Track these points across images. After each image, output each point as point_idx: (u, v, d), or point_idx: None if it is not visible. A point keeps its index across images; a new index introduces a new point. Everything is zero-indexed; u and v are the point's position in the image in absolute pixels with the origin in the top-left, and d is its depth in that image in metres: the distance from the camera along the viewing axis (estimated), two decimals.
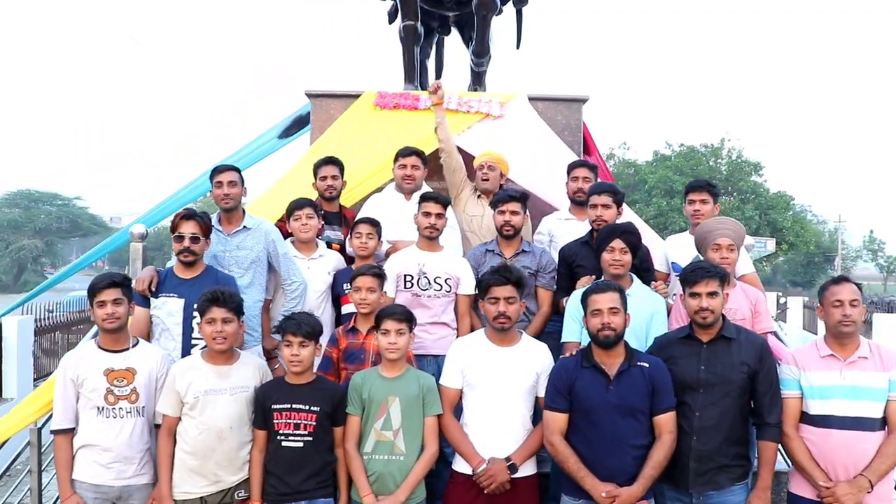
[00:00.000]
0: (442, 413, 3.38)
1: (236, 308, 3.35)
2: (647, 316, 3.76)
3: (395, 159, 4.76)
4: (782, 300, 18.91)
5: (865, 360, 3.26)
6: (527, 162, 5.76)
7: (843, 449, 3.19)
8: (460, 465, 3.37)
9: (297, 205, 4.30)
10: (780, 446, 3.35)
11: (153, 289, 3.81)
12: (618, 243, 3.77)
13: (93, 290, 3.35)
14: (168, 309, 3.77)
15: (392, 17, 8.54)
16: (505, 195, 4.28)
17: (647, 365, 3.24)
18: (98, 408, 3.29)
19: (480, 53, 7.71)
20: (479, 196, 4.99)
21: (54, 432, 3.34)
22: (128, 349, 3.40)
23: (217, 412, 3.27)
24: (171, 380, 3.31)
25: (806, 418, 3.30)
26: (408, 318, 3.39)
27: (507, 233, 4.24)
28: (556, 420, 3.24)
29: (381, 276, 3.81)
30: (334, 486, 3.36)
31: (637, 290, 3.84)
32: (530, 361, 3.39)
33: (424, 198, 4.17)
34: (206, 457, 3.25)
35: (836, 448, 3.20)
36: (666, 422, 3.20)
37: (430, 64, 8.85)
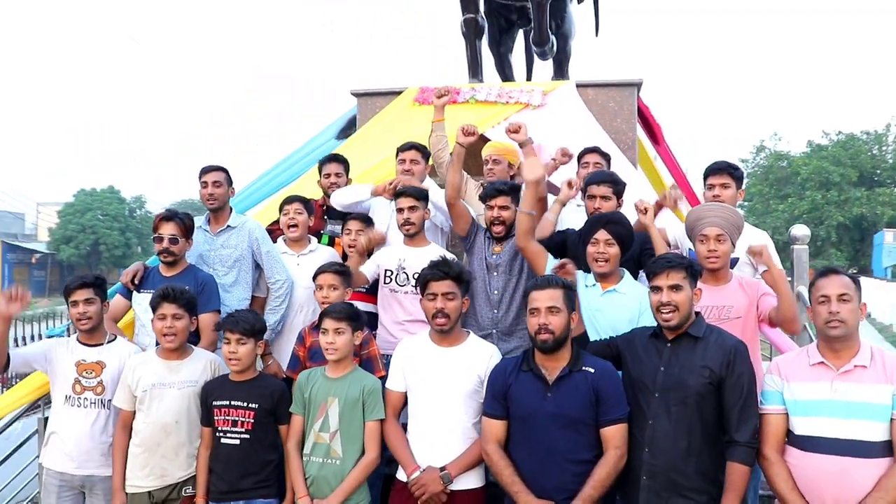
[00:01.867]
0: (384, 418, 3.20)
1: (187, 304, 3.37)
2: (635, 314, 3.35)
3: (396, 154, 4.61)
4: None
5: (864, 369, 2.71)
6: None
7: (833, 478, 2.66)
8: (401, 473, 3.17)
9: (287, 200, 4.30)
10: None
11: (136, 282, 3.92)
12: (602, 234, 3.40)
13: (67, 291, 3.50)
14: (145, 305, 3.86)
15: None
16: (492, 189, 4.01)
17: (592, 370, 2.88)
18: (66, 396, 3.44)
19: (539, 42, 7.41)
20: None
21: None
22: (102, 344, 3.52)
23: (164, 406, 3.31)
24: (125, 374, 3.38)
25: (791, 439, 2.80)
26: (349, 317, 3.24)
27: (498, 232, 3.96)
28: (493, 427, 2.97)
29: (343, 274, 3.69)
30: (281, 486, 3.28)
31: (626, 286, 3.45)
32: (472, 363, 3.13)
33: (397, 194, 4.01)
34: (152, 450, 3.29)
35: (823, 476, 2.68)
36: (612, 435, 2.83)
37: (516, 58, 8.62)
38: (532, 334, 2.90)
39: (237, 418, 3.22)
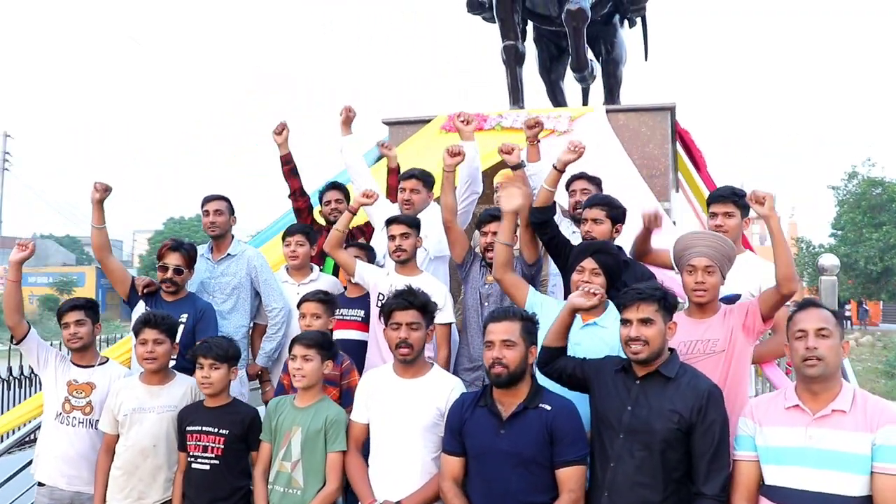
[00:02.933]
0: (346, 450, 3.15)
1: (169, 330, 3.44)
2: (615, 350, 3.18)
3: (398, 182, 4.61)
4: None
5: (843, 415, 2.46)
6: None
7: None
8: None
9: (289, 231, 4.35)
10: None
11: (145, 292, 4.00)
12: (589, 263, 3.26)
13: (59, 314, 3.64)
14: None
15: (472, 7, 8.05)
16: (487, 214, 3.95)
17: (548, 408, 2.74)
18: (56, 412, 3.56)
19: (577, 68, 7.32)
20: None
21: None
22: (93, 366, 3.64)
23: (143, 430, 3.37)
24: (109, 398, 3.47)
25: (763, 489, 2.56)
26: (318, 345, 3.23)
27: (491, 259, 3.88)
28: (449, 464, 2.87)
29: (327, 303, 3.68)
30: None
31: (608, 320, 3.28)
32: (433, 396, 3.05)
33: (388, 221, 3.99)
34: (130, 473, 3.35)
35: None
36: (567, 477, 2.68)
37: (568, 86, 8.53)
38: (487, 368, 2.79)
39: (208, 444, 3.25)
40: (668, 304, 2.77)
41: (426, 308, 3.10)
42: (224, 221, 4.31)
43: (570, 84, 8.87)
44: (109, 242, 4.01)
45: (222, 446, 3.24)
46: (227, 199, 4.36)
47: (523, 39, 8.45)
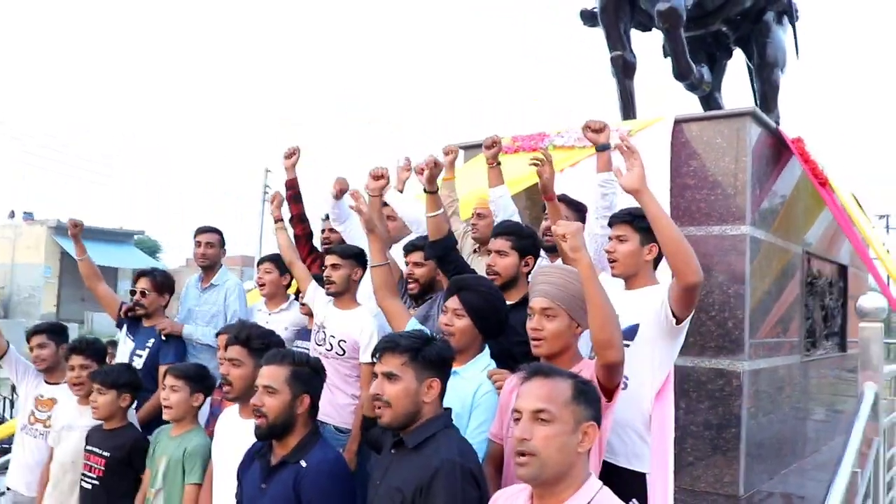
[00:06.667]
0: (199, 482, 3.09)
1: (95, 354, 3.69)
2: (467, 405, 2.71)
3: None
4: None
5: None
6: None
7: None
8: None
9: (260, 260, 4.42)
10: None
11: (128, 315, 4.30)
12: (452, 302, 2.83)
13: (27, 337, 4.08)
14: (123, 349, 4.30)
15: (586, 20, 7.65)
16: (409, 244, 3.67)
17: (304, 465, 2.41)
18: (23, 425, 3.99)
19: (680, 75, 6.48)
20: (474, 251, 4.24)
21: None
22: (59, 384, 4.01)
23: (68, 447, 3.62)
24: (54, 414, 3.81)
25: None
26: (187, 377, 3.24)
27: (412, 290, 3.59)
28: None
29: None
30: None
31: (471, 369, 2.78)
32: (248, 437, 2.83)
33: (325, 251, 3.87)
34: (55, 486, 3.62)
35: None
36: None
37: (733, 95, 7.72)
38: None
39: (92, 464, 3.40)
40: (424, 356, 2.27)
41: (250, 344, 2.93)
42: (214, 254, 4.52)
43: (738, 93, 8.01)
44: (97, 271, 4.41)
45: (103, 468, 3.36)
46: (219, 232, 4.57)
47: None
